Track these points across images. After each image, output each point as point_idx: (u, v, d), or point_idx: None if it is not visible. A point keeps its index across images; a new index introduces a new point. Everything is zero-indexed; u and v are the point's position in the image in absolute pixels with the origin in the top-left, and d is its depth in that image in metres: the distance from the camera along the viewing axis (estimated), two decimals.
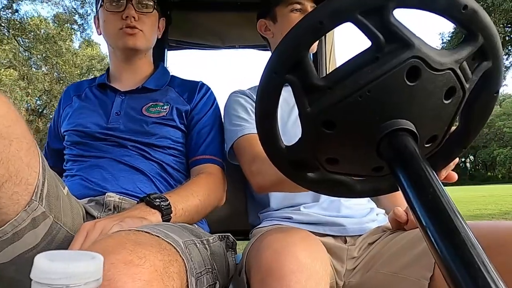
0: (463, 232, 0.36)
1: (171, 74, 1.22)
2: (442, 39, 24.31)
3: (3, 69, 14.13)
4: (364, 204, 1.05)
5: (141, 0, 1.08)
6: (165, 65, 1.59)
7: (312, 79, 0.48)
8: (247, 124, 1.06)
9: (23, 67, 15.14)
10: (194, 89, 1.16)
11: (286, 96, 1.14)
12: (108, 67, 1.21)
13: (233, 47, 1.83)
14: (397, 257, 0.81)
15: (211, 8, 1.62)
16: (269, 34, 1.20)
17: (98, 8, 1.13)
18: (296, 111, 0.51)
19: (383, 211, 1.08)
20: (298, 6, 1.11)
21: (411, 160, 0.44)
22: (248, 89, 1.23)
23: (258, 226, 1.05)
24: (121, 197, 0.94)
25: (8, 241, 0.64)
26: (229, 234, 0.97)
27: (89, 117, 1.08)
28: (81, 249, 0.66)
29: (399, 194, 0.44)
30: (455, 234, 0.37)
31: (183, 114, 1.10)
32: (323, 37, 1.64)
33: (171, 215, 0.84)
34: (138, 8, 1.07)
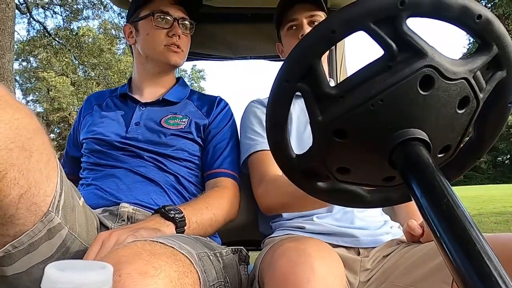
0: (479, 244, 0.35)
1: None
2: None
3: (56, 77, 15.37)
4: (377, 216, 1.04)
5: (184, 21, 1.14)
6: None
7: (323, 88, 0.48)
8: (260, 139, 1.08)
9: (73, 74, 16.43)
10: (212, 104, 1.18)
11: (303, 106, 1.15)
12: (130, 78, 1.24)
13: (245, 58, 1.86)
14: (413, 269, 0.79)
15: (222, 20, 1.65)
16: (284, 56, 1.26)
17: (136, 20, 1.16)
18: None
19: (398, 224, 1.06)
20: (293, 23, 1.15)
21: (425, 170, 0.43)
22: (267, 97, 1.23)
23: (270, 236, 1.04)
24: (135, 208, 0.95)
25: (23, 252, 0.65)
26: (242, 247, 0.96)
27: (109, 126, 1.10)
28: (96, 258, 0.67)
29: (415, 206, 0.44)
30: (471, 245, 0.36)
31: (201, 127, 1.12)
32: (334, 45, 1.64)
33: (185, 227, 0.84)
34: (182, 28, 1.13)
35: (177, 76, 1.27)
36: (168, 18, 1.11)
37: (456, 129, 0.49)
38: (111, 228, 0.88)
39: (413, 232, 0.85)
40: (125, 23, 1.23)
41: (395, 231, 1.01)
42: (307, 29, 1.12)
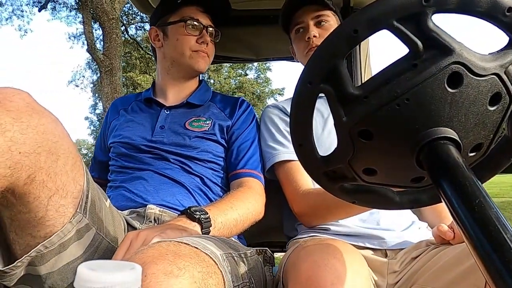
0: None
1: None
2: None
3: (140, 76, 16.66)
4: (404, 216, 1.01)
5: (211, 29, 1.18)
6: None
7: (347, 88, 0.47)
8: (282, 149, 1.09)
9: (153, 73, 17.92)
10: (235, 105, 1.20)
11: (319, 107, 1.14)
12: (154, 82, 1.27)
13: (267, 59, 1.87)
14: (443, 272, 0.77)
15: (245, 23, 1.65)
16: (296, 58, 1.26)
17: (164, 24, 1.18)
18: (330, 122, 0.51)
19: (426, 224, 1.03)
20: (299, 26, 1.15)
21: (455, 170, 0.42)
22: (283, 101, 1.23)
23: (295, 238, 1.03)
24: (161, 209, 0.96)
25: (55, 252, 0.67)
26: (267, 248, 0.96)
27: (135, 130, 1.13)
28: (125, 257, 0.68)
29: (442, 205, 0.42)
30: (505, 248, 0.34)
31: (225, 129, 1.13)
32: (358, 45, 1.62)
33: (210, 228, 0.85)
34: (210, 35, 1.17)
35: (200, 79, 1.29)
36: (199, 25, 1.15)
37: (487, 127, 0.47)
38: (138, 229, 0.89)
39: (444, 236, 0.82)
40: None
41: (423, 232, 0.98)
42: (314, 30, 1.11)
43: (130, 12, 12.69)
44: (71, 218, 0.66)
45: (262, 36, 1.70)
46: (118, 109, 1.24)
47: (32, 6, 11.31)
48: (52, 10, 12.11)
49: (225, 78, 19.93)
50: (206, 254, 0.62)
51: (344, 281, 0.64)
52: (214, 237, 0.80)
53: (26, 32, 13.42)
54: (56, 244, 0.66)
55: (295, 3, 1.14)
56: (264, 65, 20.09)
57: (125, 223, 0.88)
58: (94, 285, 0.29)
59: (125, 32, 12.49)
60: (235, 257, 0.75)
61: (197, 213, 0.84)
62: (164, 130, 1.11)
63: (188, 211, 0.85)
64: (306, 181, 1.03)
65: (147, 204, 0.96)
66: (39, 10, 11.65)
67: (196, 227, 0.82)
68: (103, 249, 0.75)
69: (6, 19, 11.40)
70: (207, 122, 1.13)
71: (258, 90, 20.69)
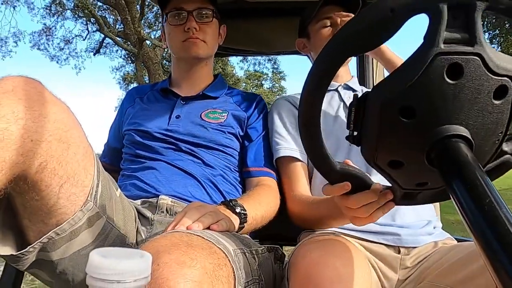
0: None
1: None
2: None
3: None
4: (420, 214, 1.00)
5: (200, 11, 1.12)
6: None
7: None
8: (284, 144, 1.09)
9: None
10: (252, 102, 1.19)
11: (330, 101, 1.13)
12: (170, 74, 1.27)
13: (278, 53, 1.85)
14: (453, 270, 0.76)
15: (256, 15, 1.64)
16: (306, 51, 1.27)
17: (163, 23, 1.19)
18: (339, 116, 0.51)
19: (441, 224, 1.02)
20: (328, 22, 1.14)
21: (465, 168, 0.42)
22: (293, 94, 1.23)
23: (307, 230, 1.03)
24: (173, 200, 0.97)
25: (66, 239, 0.68)
26: (278, 246, 0.97)
27: (151, 118, 1.13)
28: (176, 228, 0.70)
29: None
30: None
31: (240, 123, 1.13)
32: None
33: (245, 224, 0.87)
34: (198, 19, 1.12)
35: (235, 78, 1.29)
36: (183, 13, 1.11)
37: (499, 124, 0.47)
38: (151, 219, 0.91)
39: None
40: None
41: (438, 231, 0.97)
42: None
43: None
44: (82, 206, 0.67)
45: (273, 29, 1.69)
46: (134, 97, 1.24)
47: (87, 51, 14.71)
48: (104, 54, 15.04)
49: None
50: (218, 247, 0.63)
51: (342, 280, 0.64)
52: (227, 232, 0.80)
53: (80, 70, 18.21)
54: (67, 232, 0.67)
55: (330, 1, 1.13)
56: (278, 75, 20.93)
57: (136, 212, 0.89)
58: (106, 271, 0.30)
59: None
60: (246, 253, 0.75)
61: (238, 207, 0.86)
62: (180, 119, 1.11)
63: (230, 203, 0.87)
64: (301, 184, 1.04)
65: (159, 195, 0.96)
66: (94, 55, 14.52)
67: (237, 221, 0.84)
68: (113, 238, 0.76)
69: (65, 59, 14.50)
70: (223, 114, 1.12)
71: (273, 100, 21.20)
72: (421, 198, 0.59)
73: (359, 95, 0.50)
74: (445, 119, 0.44)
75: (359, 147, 0.53)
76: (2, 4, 12.58)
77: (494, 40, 11.80)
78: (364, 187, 0.60)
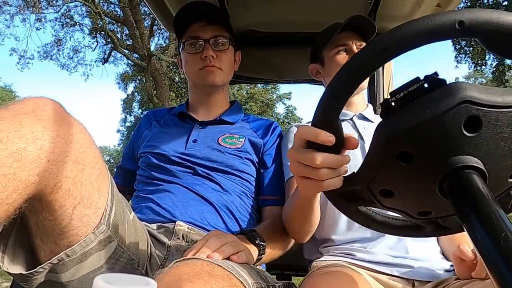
0: None
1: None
2: None
3: (236, 89, 19.11)
4: (435, 247, 0.95)
5: (217, 40, 1.15)
6: None
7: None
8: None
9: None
10: (268, 128, 1.19)
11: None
12: (187, 99, 1.28)
13: (289, 82, 1.87)
14: None
15: (268, 44, 1.67)
16: (320, 77, 1.26)
17: (180, 51, 1.22)
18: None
19: None
20: (343, 48, 1.14)
21: (480, 201, 0.40)
22: (307, 122, 1.23)
23: (319, 259, 0.99)
24: (190, 227, 0.95)
25: (76, 261, 0.67)
26: (293, 282, 0.95)
27: (168, 141, 1.13)
28: (197, 255, 0.70)
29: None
30: None
31: (257, 149, 1.13)
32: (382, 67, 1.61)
33: (263, 256, 0.87)
34: (215, 47, 1.14)
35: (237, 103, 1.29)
36: (199, 41, 1.14)
37: None
38: (167, 245, 0.90)
39: (464, 256, 0.75)
40: None
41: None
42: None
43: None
44: (94, 229, 0.66)
45: (284, 57, 1.71)
46: (151, 120, 1.26)
47: (96, 61, 15.95)
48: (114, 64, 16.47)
49: (237, 89, 21.22)
50: (239, 279, 0.62)
51: None
52: (245, 264, 0.79)
53: (88, 76, 19.38)
54: (78, 253, 0.66)
55: (345, 26, 1.14)
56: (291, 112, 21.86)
57: (148, 237, 0.88)
58: None
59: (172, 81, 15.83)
60: None
61: (257, 239, 0.87)
62: (197, 143, 1.11)
63: (251, 233, 0.87)
64: None
65: (175, 220, 0.95)
66: (103, 64, 15.67)
67: (255, 253, 0.84)
68: (124, 262, 0.75)
69: (74, 67, 16.02)
70: (240, 139, 1.12)
71: (267, 98, 22.34)
72: (430, 230, 0.58)
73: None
74: (458, 150, 0.44)
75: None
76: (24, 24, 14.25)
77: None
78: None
